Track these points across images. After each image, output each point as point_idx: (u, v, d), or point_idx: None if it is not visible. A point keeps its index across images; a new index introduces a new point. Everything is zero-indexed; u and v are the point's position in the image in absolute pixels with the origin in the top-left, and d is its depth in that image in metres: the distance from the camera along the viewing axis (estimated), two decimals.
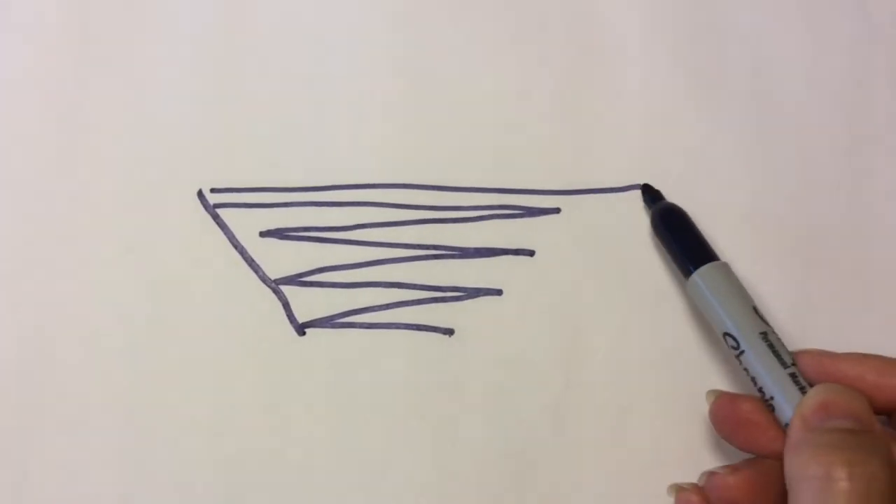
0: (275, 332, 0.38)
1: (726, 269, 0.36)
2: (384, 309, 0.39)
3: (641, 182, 0.40)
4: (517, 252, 0.39)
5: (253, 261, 0.39)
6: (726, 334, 0.34)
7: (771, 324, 0.35)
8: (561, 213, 0.40)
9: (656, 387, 0.38)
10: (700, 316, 0.38)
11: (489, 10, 0.42)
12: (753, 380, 0.33)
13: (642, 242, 0.39)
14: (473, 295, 0.39)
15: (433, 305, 0.39)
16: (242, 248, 0.39)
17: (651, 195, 0.39)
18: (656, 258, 0.39)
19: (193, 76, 0.41)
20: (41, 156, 0.40)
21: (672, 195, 0.40)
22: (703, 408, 0.36)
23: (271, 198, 0.40)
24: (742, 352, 0.33)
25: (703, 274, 0.35)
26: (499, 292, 0.39)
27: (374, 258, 0.39)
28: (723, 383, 0.38)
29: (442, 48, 0.41)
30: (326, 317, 0.39)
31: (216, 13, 0.42)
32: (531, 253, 0.39)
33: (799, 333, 0.38)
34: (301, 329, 0.38)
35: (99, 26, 0.42)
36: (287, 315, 0.39)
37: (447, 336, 0.38)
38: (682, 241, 0.37)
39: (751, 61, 0.42)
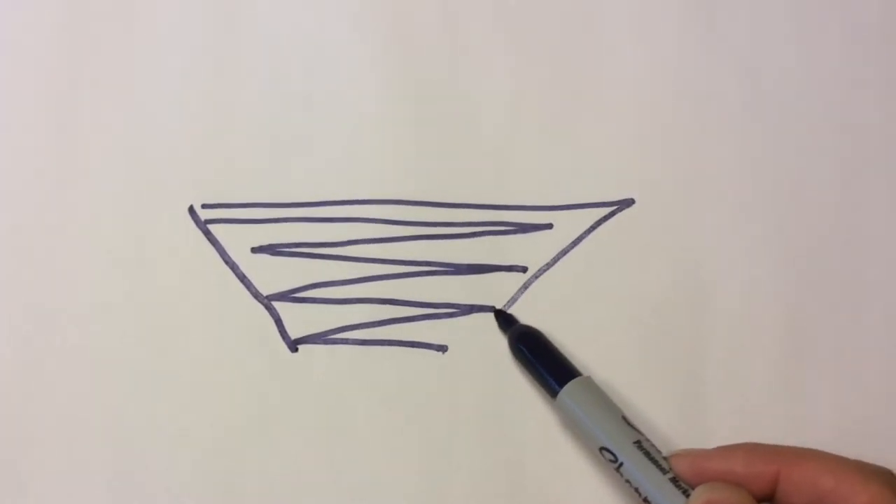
0: (267, 348, 0.38)
1: (590, 384, 0.36)
2: (377, 325, 0.39)
3: (634, 196, 0.40)
4: (510, 268, 0.39)
5: (245, 277, 0.39)
6: (602, 448, 0.34)
7: (650, 429, 0.36)
8: (553, 228, 0.40)
9: (646, 399, 0.38)
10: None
11: (481, 27, 0.42)
12: (637, 490, 0.33)
13: (636, 257, 0.39)
14: (466, 311, 0.39)
15: (426, 322, 0.39)
16: (234, 263, 0.39)
17: (504, 319, 0.38)
18: (650, 272, 0.39)
19: (186, 92, 0.41)
20: (33, 171, 0.40)
21: (664, 208, 0.40)
22: (693, 416, 0.37)
23: (263, 213, 0.40)
24: (621, 464, 0.33)
25: (568, 392, 0.35)
26: (492, 309, 0.39)
27: (367, 274, 0.39)
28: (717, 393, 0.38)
29: (434, 65, 0.41)
30: (319, 333, 0.38)
31: (210, 29, 0.41)
32: (524, 269, 0.39)
33: (792, 341, 0.39)
34: (293, 345, 0.38)
35: (92, 42, 0.41)
36: (279, 331, 0.38)
37: (440, 352, 0.38)
38: (542, 361, 0.37)
39: (743, 75, 0.41)
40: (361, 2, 0.42)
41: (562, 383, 0.35)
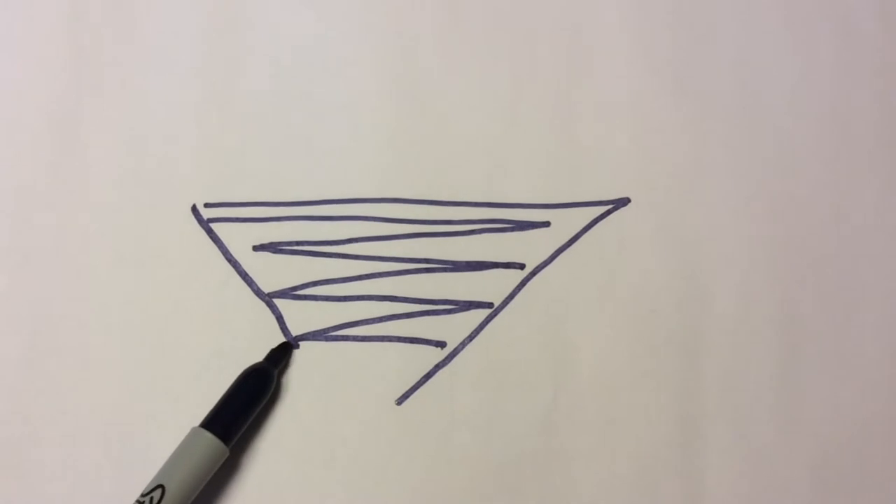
0: (269, 345, 0.39)
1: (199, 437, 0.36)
2: (377, 322, 0.39)
3: (631, 195, 0.40)
4: (508, 265, 0.40)
5: (246, 274, 0.39)
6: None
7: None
8: (551, 226, 0.40)
9: (644, 397, 0.38)
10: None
11: (480, 27, 0.42)
12: None
13: (632, 255, 0.40)
14: (465, 308, 0.39)
15: (425, 318, 0.39)
16: (236, 261, 0.40)
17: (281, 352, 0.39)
18: (646, 270, 0.40)
19: (187, 92, 0.41)
20: (35, 171, 0.40)
21: (660, 207, 0.40)
22: (690, 414, 0.38)
23: (265, 212, 0.40)
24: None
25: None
26: (490, 305, 0.39)
27: (367, 272, 0.40)
28: (699, 385, 0.38)
29: (433, 64, 0.42)
30: (320, 330, 0.39)
31: (210, 30, 0.42)
32: (521, 266, 0.40)
33: (790, 327, 0.39)
34: (295, 342, 0.39)
35: (94, 43, 0.42)
36: (281, 328, 0.39)
37: (439, 348, 0.39)
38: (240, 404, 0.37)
39: (738, 74, 0.42)
40: (361, 2, 0.42)
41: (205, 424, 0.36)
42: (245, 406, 0.37)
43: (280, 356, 0.38)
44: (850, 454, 0.38)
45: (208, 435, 0.35)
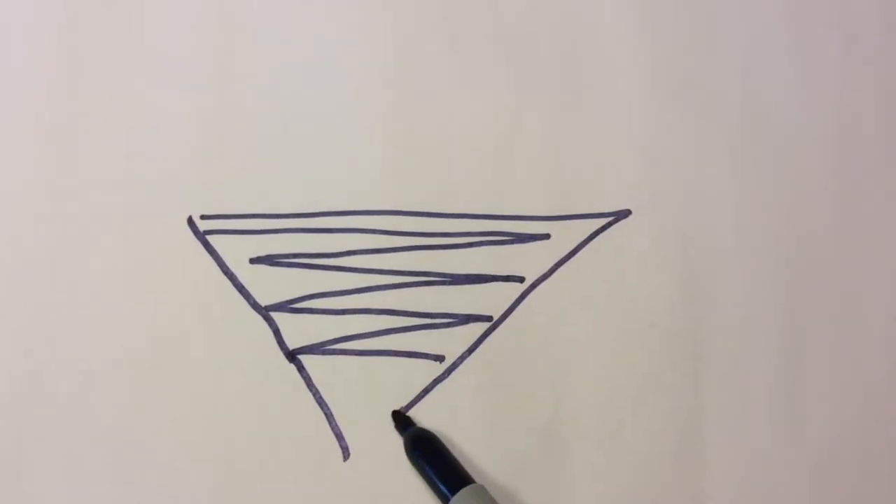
0: (265, 358, 0.38)
1: (482, 493, 0.35)
2: (375, 336, 0.39)
3: (631, 207, 0.40)
4: (507, 278, 0.39)
5: (243, 287, 0.39)
6: None
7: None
8: (551, 238, 0.40)
9: (645, 410, 0.38)
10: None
11: (480, 38, 0.42)
12: None
13: (633, 267, 0.40)
14: (464, 321, 0.39)
15: (423, 332, 0.39)
16: (232, 274, 0.39)
17: (401, 422, 0.38)
18: (647, 283, 0.39)
19: (184, 103, 0.41)
20: (32, 183, 0.40)
21: (660, 219, 0.40)
22: (692, 430, 0.37)
23: (261, 224, 0.40)
24: None
25: (458, 501, 0.35)
26: (489, 318, 0.39)
27: (365, 285, 0.39)
28: (711, 405, 0.38)
29: (433, 76, 0.41)
30: (317, 343, 0.39)
31: (208, 39, 0.42)
32: (521, 279, 0.39)
33: (790, 340, 0.39)
34: (291, 355, 0.38)
35: (91, 51, 0.41)
36: (277, 341, 0.39)
37: (438, 362, 0.38)
38: (435, 467, 0.36)
39: (740, 85, 0.42)
40: (361, 14, 0.42)
41: (454, 491, 0.35)
42: (436, 459, 0.36)
43: None
44: (852, 466, 0.38)
45: (460, 494, 0.35)
